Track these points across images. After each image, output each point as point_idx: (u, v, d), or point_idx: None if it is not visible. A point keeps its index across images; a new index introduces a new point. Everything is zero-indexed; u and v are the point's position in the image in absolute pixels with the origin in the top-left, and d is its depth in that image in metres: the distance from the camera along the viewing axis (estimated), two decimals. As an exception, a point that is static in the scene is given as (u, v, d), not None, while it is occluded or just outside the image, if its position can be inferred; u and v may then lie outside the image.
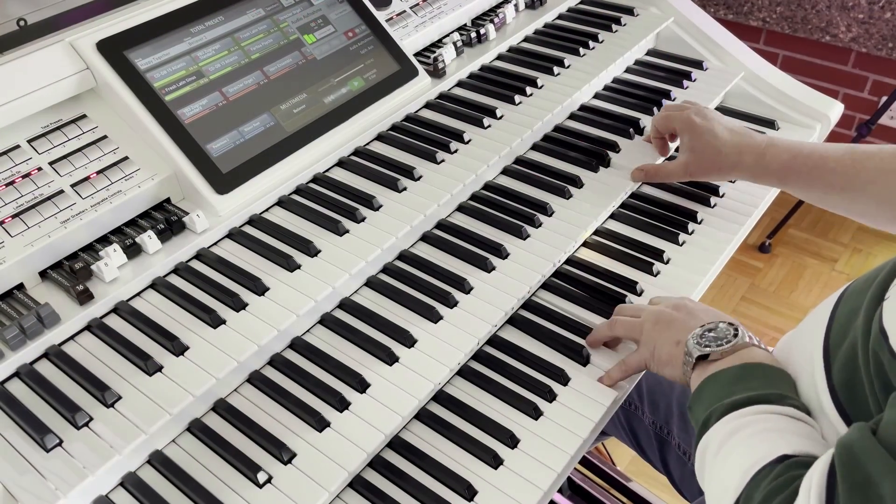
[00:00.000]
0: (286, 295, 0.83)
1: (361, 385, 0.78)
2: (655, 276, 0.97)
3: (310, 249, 0.88)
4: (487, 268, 0.91)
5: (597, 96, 1.25)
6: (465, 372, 0.85)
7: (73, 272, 0.81)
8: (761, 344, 0.73)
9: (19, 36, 0.90)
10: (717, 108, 1.30)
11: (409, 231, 0.93)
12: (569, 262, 0.99)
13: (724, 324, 0.74)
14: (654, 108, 1.19)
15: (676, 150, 1.07)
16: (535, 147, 1.13)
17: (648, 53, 1.37)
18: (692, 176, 1.00)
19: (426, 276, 0.91)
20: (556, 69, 1.21)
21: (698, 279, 0.97)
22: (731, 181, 1.13)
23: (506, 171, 1.08)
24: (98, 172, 0.87)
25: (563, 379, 0.83)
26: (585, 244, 1.03)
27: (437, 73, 1.17)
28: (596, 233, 1.04)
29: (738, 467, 0.60)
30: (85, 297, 0.79)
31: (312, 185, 0.99)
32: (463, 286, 0.89)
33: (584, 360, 0.85)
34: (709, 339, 0.73)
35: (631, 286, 0.95)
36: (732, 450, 0.62)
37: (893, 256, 0.67)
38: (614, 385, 0.83)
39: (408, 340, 0.83)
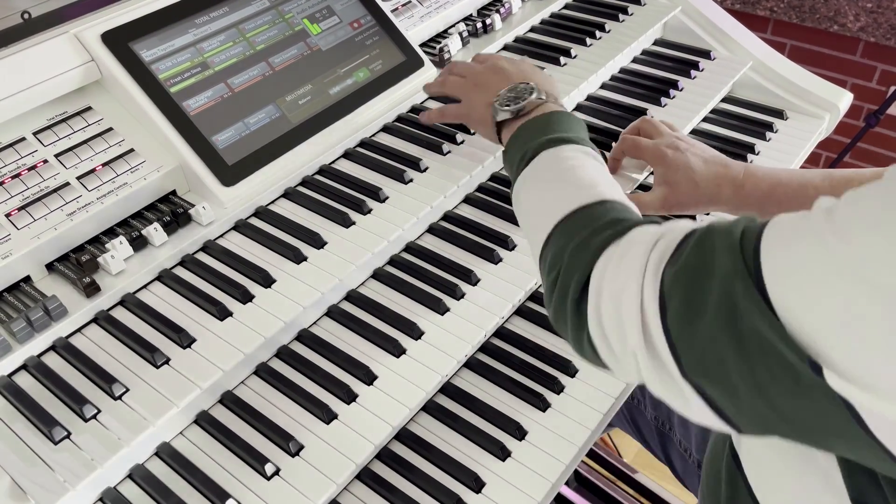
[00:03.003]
0: (293, 287, 0.83)
1: (368, 377, 0.78)
2: (663, 267, 0.97)
3: (316, 241, 0.88)
4: (494, 259, 0.91)
5: (604, 86, 1.24)
6: (472, 364, 0.85)
7: (79, 264, 0.81)
8: (558, 100, 0.82)
9: (24, 29, 0.90)
10: (725, 98, 1.29)
11: (415, 222, 0.93)
12: (576, 253, 0.99)
13: (524, 84, 0.82)
14: (662, 99, 1.18)
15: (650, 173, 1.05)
16: (541, 138, 1.12)
17: (656, 43, 1.36)
18: (670, 210, 0.94)
19: (433, 268, 0.91)
20: (562, 59, 1.20)
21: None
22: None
23: (512, 163, 1.08)
24: (104, 165, 0.87)
25: (570, 371, 0.83)
26: (593, 235, 1.02)
27: (442, 63, 1.17)
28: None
29: (556, 202, 0.65)
30: (92, 290, 0.79)
31: (318, 177, 0.99)
32: (470, 278, 0.88)
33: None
34: (508, 100, 0.82)
35: (639, 277, 0.94)
36: (548, 183, 0.68)
37: None
38: (429, 121, 0.99)
39: (415, 332, 0.83)
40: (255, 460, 0.71)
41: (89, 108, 0.90)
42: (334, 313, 0.86)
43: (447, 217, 0.99)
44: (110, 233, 0.86)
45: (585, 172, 0.67)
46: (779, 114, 1.26)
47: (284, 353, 0.82)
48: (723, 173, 0.89)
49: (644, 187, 1.01)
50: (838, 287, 0.41)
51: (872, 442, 0.42)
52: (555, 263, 0.61)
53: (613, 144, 1.08)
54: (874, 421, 0.41)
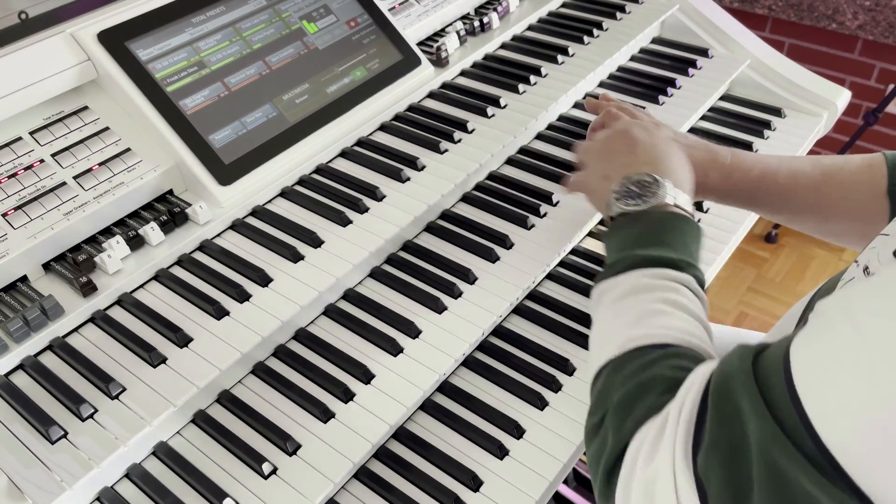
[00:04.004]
0: (290, 286, 0.83)
1: (366, 376, 0.78)
2: (661, 265, 0.96)
3: (313, 240, 0.88)
4: (492, 258, 0.91)
5: (602, 85, 1.24)
6: (470, 363, 0.85)
7: (76, 264, 0.81)
8: (681, 195, 0.73)
9: (21, 29, 0.90)
10: (723, 97, 1.29)
11: (412, 221, 0.93)
12: (574, 252, 0.99)
13: (651, 178, 0.73)
14: (660, 97, 1.18)
15: None
16: (539, 136, 1.12)
17: (653, 42, 1.36)
18: None
19: (431, 267, 0.91)
20: (560, 58, 1.20)
21: (703, 269, 0.96)
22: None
23: (510, 161, 1.08)
24: (100, 164, 0.87)
25: (568, 370, 0.83)
26: (591, 234, 1.02)
27: (440, 62, 1.16)
28: (601, 222, 1.04)
29: (623, 331, 0.62)
30: (88, 289, 0.79)
31: (315, 176, 0.99)
32: (468, 277, 0.88)
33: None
34: (628, 194, 0.73)
35: (637, 276, 0.94)
36: (627, 308, 0.64)
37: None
38: (571, 190, 0.89)
39: (412, 331, 0.82)
40: (253, 459, 0.71)
41: (86, 108, 0.90)
42: (332, 312, 0.86)
43: (445, 216, 0.99)
44: (107, 232, 0.86)
45: (658, 306, 0.62)
46: (777, 112, 1.26)
47: (282, 353, 0.82)
48: (709, 159, 0.84)
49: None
50: None
51: None
52: (599, 405, 0.59)
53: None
54: None
